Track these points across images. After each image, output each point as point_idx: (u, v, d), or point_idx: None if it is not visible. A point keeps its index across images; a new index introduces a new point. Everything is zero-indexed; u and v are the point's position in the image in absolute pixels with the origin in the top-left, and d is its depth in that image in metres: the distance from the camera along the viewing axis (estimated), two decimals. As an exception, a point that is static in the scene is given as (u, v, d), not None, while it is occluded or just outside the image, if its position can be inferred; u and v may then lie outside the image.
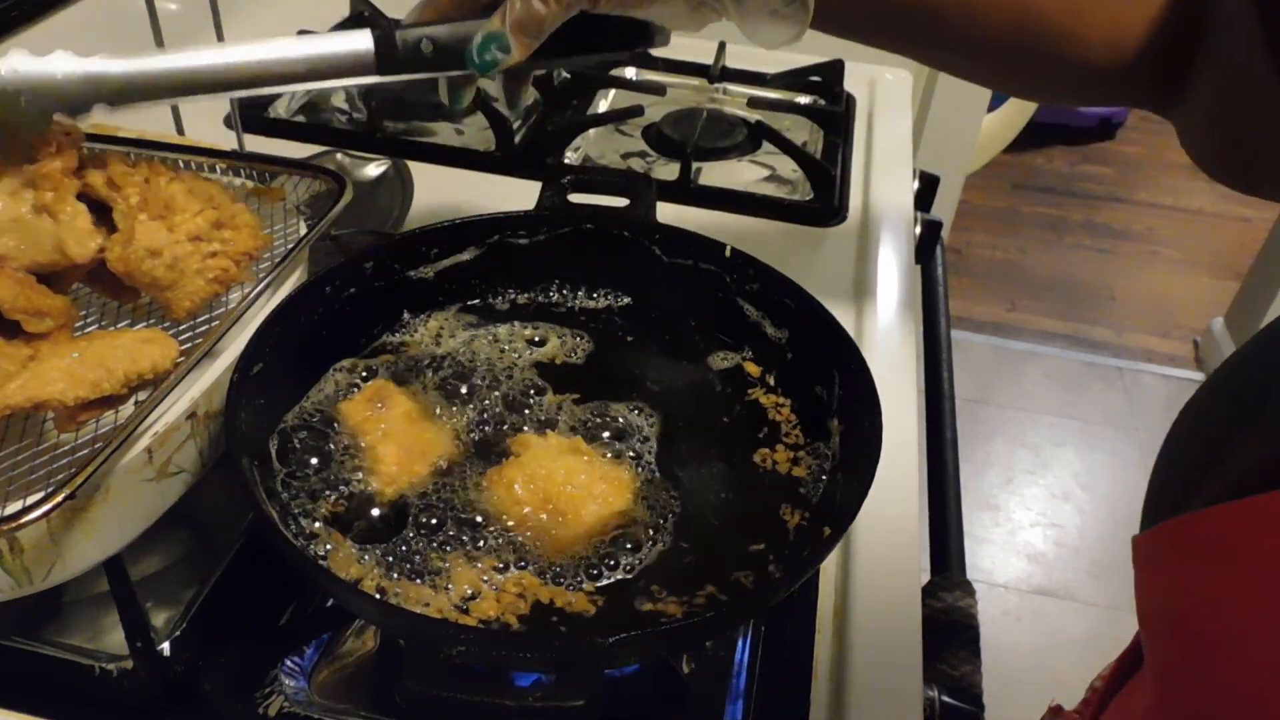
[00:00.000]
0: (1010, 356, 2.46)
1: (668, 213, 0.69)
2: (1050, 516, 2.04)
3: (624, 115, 0.99)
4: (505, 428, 0.59)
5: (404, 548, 0.51)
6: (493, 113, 0.95)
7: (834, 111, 1.05)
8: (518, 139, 0.97)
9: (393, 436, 0.56)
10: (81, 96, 0.50)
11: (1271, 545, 0.33)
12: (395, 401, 0.59)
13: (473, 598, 0.49)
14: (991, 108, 2.41)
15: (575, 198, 0.68)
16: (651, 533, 0.53)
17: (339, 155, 0.93)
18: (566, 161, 0.96)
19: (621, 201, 0.69)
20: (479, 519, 0.53)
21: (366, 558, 0.51)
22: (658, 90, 1.04)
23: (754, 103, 1.05)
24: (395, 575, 0.50)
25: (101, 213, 0.53)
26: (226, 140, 0.81)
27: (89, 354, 0.47)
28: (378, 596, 0.48)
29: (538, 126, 1.00)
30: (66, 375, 0.45)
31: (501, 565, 0.51)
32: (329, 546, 0.51)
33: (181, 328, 0.55)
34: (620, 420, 0.60)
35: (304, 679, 0.53)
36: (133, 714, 0.51)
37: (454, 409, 0.60)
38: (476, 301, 0.68)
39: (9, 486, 0.45)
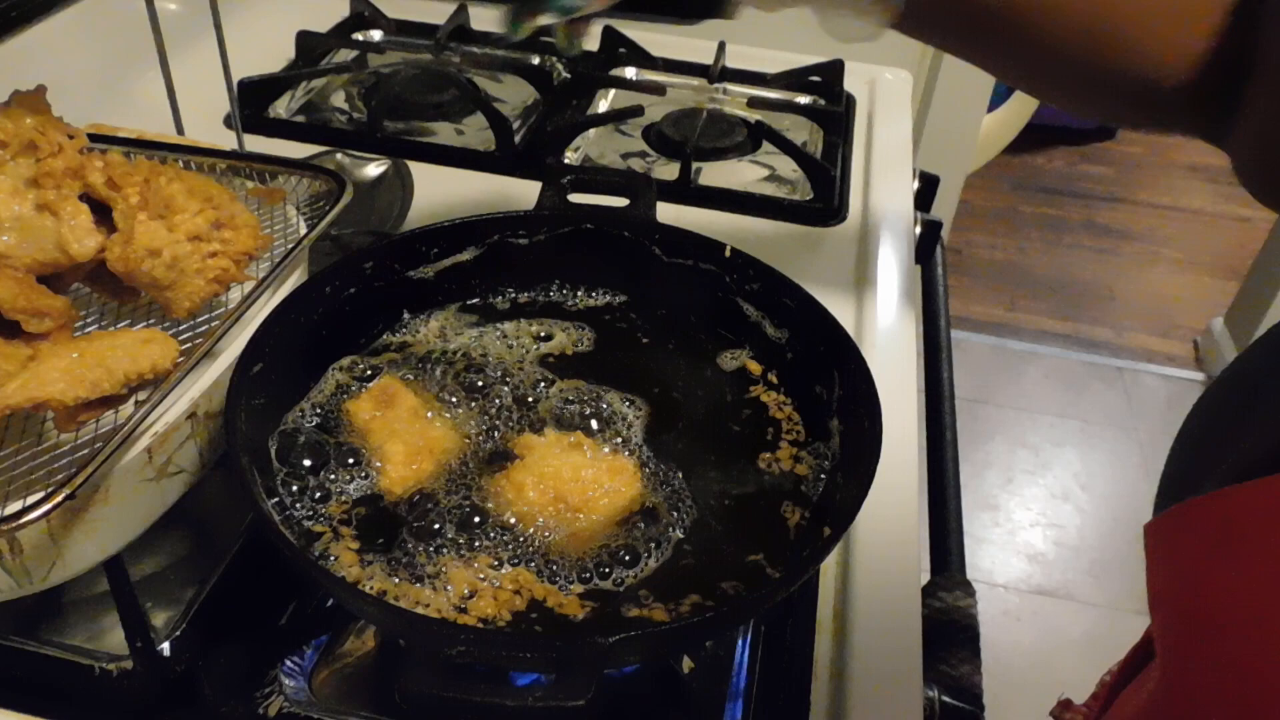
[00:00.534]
0: (1010, 356, 2.46)
1: (668, 213, 0.69)
2: (1050, 516, 2.04)
3: (624, 115, 0.99)
4: (514, 422, 0.59)
5: (406, 548, 0.51)
6: (493, 113, 0.95)
7: (834, 111, 1.05)
8: (518, 139, 0.97)
9: (400, 434, 0.56)
10: None
11: (1275, 525, 0.34)
12: (401, 399, 0.59)
13: (470, 596, 0.49)
14: (991, 108, 2.41)
15: (575, 198, 0.68)
16: (674, 514, 0.53)
17: (339, 155, 0.93)
18: (566, 161, 0.96)
19: (621, 201, 0.69)
20: (486, 519, 0.53)
21: (367, 558, 0.51)
22: (658, 90, 1.04)
23: (754, 103, 1.05)
24: (397, 577, 0.50)
25: (101, 213, 0.53)
26: (226, 140, 0.81)
27: (89, 354, 0.47)
28: (378, 597, 0.48)
29: (538, 126, 1.00)
30: (66, 375, 0.45)
31: (497, 564, 0.51)
32: (329, 546, 0.51)
33: (181, 328, 0.55)
34: (609, 408, 0.60)
35: (304, 679, 0.53)
36: (133, 714, 0.51)
37: (460, 405, 0.60)
38: (476, 301, 0.68)
39: (9, 486, 0.45)
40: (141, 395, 0.48)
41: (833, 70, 1.09)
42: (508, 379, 0.62)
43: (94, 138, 0.63)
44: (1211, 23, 0.52)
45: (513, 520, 0.53)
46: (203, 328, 0.55)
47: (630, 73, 1.12)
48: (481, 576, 0.50)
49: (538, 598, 0.49)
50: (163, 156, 0.64)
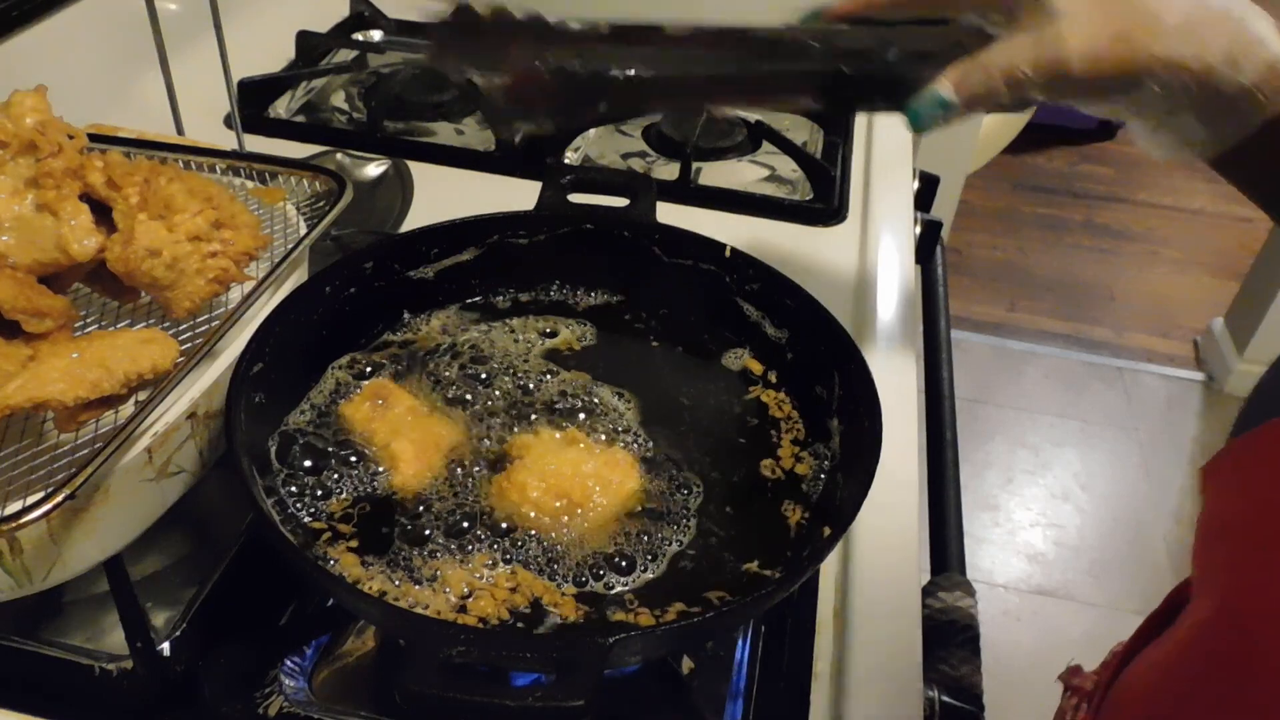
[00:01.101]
0: (1010, 356, 2.46)
1: (668, 213, 0.69)
2: (1050, 516, 2.04)
3: (624, 115, 0.99)
4: (515, 420, 0.59)
5: (405, 549, 0.51)
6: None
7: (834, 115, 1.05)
8: (518, 139, 0.97)
9: (405, 433, 0.56)
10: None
11: None
12: (397, 399, 0.59)
13: (470, 596, 0.49)
14: (991, 108, 2.40)
15: (575, 198, 0.68)
16: (684, 494, 0.53)
17: (339, 155, 0.93)
18: (566, 161, 0.96)
19: (621, 201, 0.69)
20: (487, 519, 0.53)
21: (367, 558, 0.51)
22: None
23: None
24: (396, 577, 0.50)
25: (101, 213, 0.53)
26: (226, 140, 0.81)
27: (89, 354, 0.47)
28: (378, 597, 0.48)
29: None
30: (66, 375, 0.45)
31: (496, 564, 0.51)
32: (329, 547, 0.51)
33: (181, 328, 0.55)
34: (608, 406, 0.60)
35: (304, 679, 0.53)
36: (133, 714, 0.51)
37: (460, 402, 0.60)
38: (477, 300, 0.68)
39: (9, 486, 0.45)
40: (141, 395, 0.48)
41: (833, 70, 1.09)
42: (511, 375, 0.62)
43: (94, 138, 0.63)
44: None
45: (514, 520, 0.53)
46: (203, 328, 0.55)
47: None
48: (481, 576, 0.50)
49: (538, 597, 0.49)
50: (163, 156, 0.64)
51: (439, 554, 0.51)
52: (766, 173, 0.99)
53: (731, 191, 0.92)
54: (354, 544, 0.51)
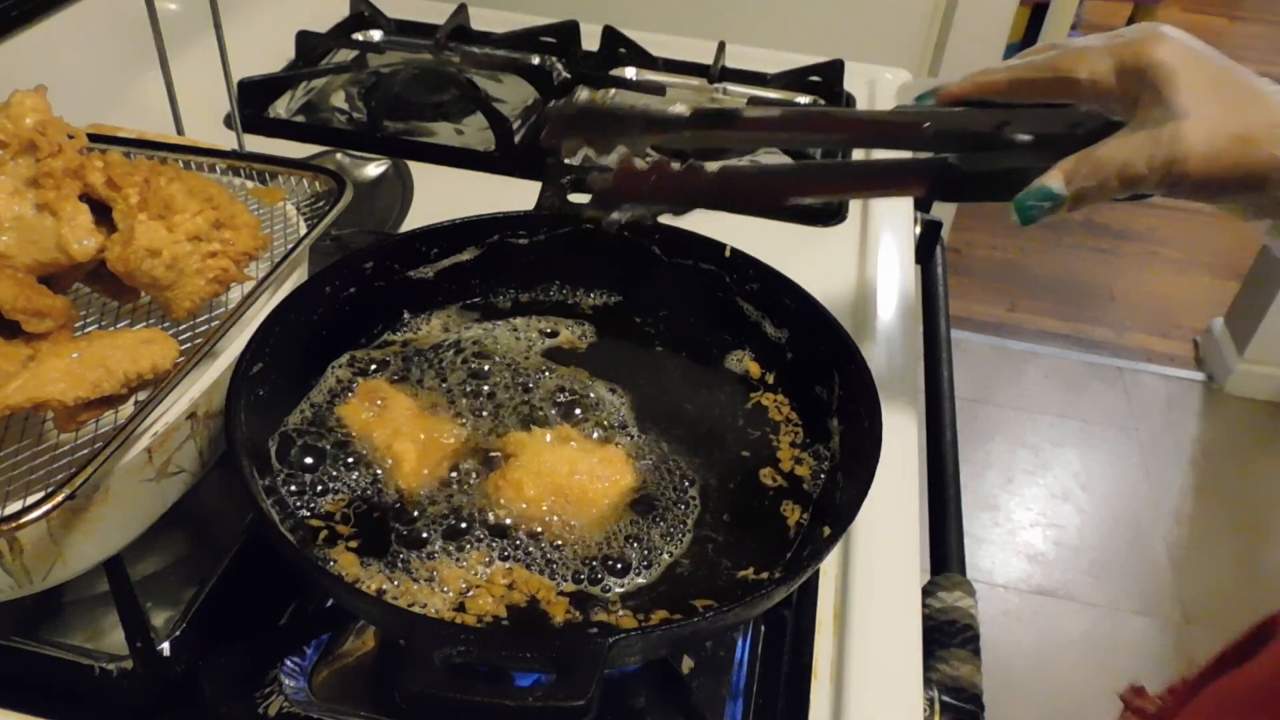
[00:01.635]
0: (1010, 356, 2.45)
1: (668, 213, 0.68)
2: (1050, 516, 2.04)
3: (624, 115, 0.99)
4: (514, 418, 0.59)
5: (404, 548, 0.51)
6: (493, 113, 0.95)
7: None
8: (518, 139, 0.97)
9: (406, 433, 0.57)
10: None
11: None
12: (395, 399, 0.59)
13: (469, 595, 0.49)
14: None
15: (575, 198, 0.68)
16: (681, 495, 0.53)
17: (339, 155, 0.93)
18: (566, 161, 0.96)
19: (621, 201, 0.69)
20: (485, 518, 0.53)
21: (367, 558, 0.51)
22: (658, 90, 1.04)
23: (754, 102, 1.05)
24: (396, 577, 0.50)
25: (101, 213, 0.53)
26: (226, 140, 0.81)
27: (89, 354, 0.47)
28: (377, 596, 0.48)
29: (538, 126, 1.00)
30: (66, 375, 0.45)
31: (495, 562, 0.51)
32: (329, 546, 0.51)
33: (181, 328, 0.55)
34: (607, 405, 0.60)
35: (304, 679, 0.53)
36: (133, 714, 0.51)
37: (459, 402, 0.60)
38: (477, 300, 0.68)
39: (9, 486, 0.45)
40: (141, 395, 0.48)
41: (832, 70, 1.09)
42: (511, 375, 0.62)
43: (94, 138, 0.63)
44: None
45: (511, 518, 0.53)
46: (203, 328, 0.55)
47: (630, 73, 1.12)
48: (478, 574, 0.50)
49: (535, 595, 0.49)
50: (163, 156, 0.64)
51: (437, 553, 0.51)
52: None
53: (731, 191, 0.92)
54: (353, 544, 0.51)
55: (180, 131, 0.79)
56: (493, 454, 0.57)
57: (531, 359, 0.64)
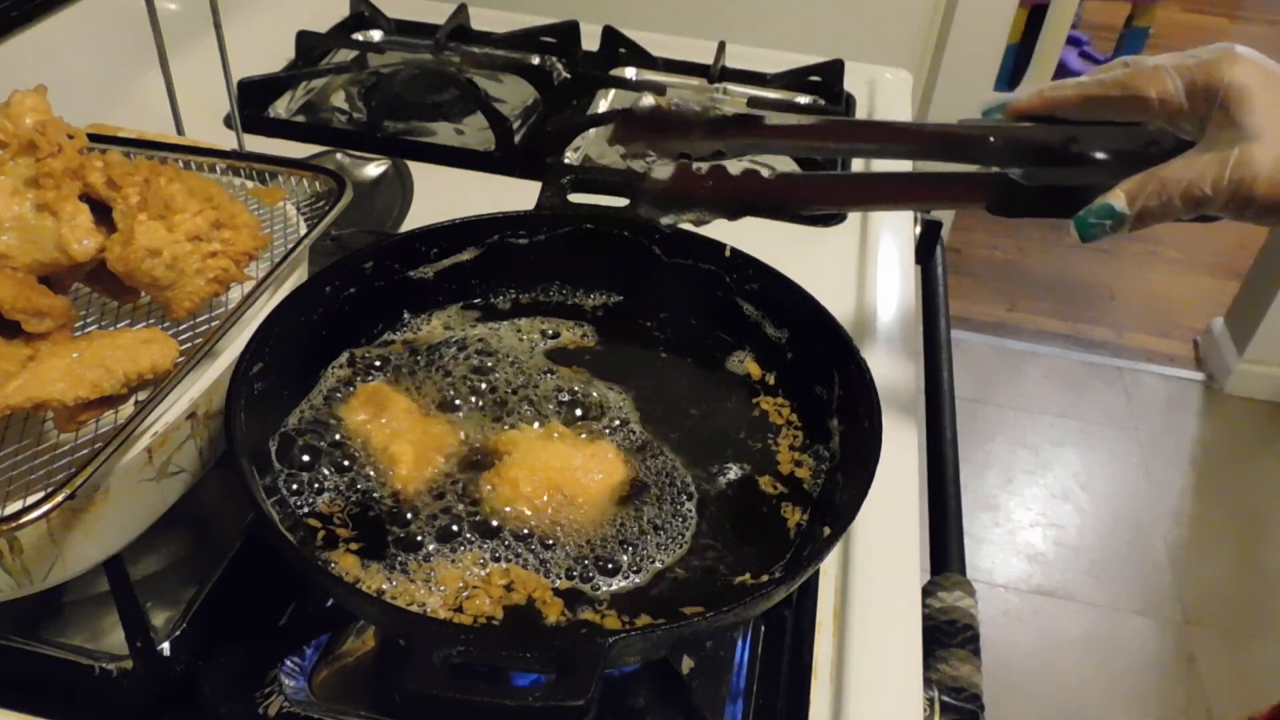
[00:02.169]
0: (1010, 356, 2.45)
1: (668, 213, 0.68)
2: (1050, 516, 2.04)
3: (624, 115, 0.99)
4: (513, 418, 0.59)
5: (404, 549, 0.51)
6: (493, 112, 0.95)
7: (834, 111, 1.05)
8: (518, 139, 0.97)
9: (404, 435, 0.57)
10: None
11: None
12: (394, 401, 0.59)
13: (468, 596, 0.49)
14: (991, 108, 2.40)
15: (575, 198, 0.68)
16: (675, 498, 0.53)
17: (339, 155, 0.93)
18: (566, 161, 0.96)
19: (622, 201, 0.69)
20: (482, 518, 0.53)
21: (367, 558, 0.51)
22: (658, 90, 1.04)
23: (754, 103, 1.05)
24: (395, 578, 0.50)
25: (101, 213, 0.53)
26: (226, 140, 0.81)
27: (89, 354, 0.47)
28: (377, 596, 0.48)
29: (538, 126, 1.00)
30: (66, 375, 0.45)
31: (494, 561, 0.51)
32: (328, 547, 0.51)
33: (181, 328, 0.55)
34: (606, 403, 0.60)
35: (304, 679, 0.53)
36: (133, 714, 0.51)
37: (460, 403, 0.60)
38: (477, 300, 0.68)
39: (9, 486, 0.45)
40: (141, 395, 0.48)
41: (833, 70, 1.09)
42: (511, 376, 0.62)
43: (94, 138, 0.63)
44: None
45: (507, 516, 0.53)
46: (203, 328, 0.55)
47: (630, 73, 1.12)
48: (476, 574, 0.50)
49: (533, 594, 0.49)
50: (163, 156, 0.64)
51: (436, 554, 0.51)
52: (766, 172, 0.98)
53: (731, 191, 0.92)
54: (353, 544, 0.51)
55: (180, 131, 0.79)
56: (489, 454, 0.57)
57: (532, 360, 0.64)
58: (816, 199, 0.62)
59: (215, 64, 0.78)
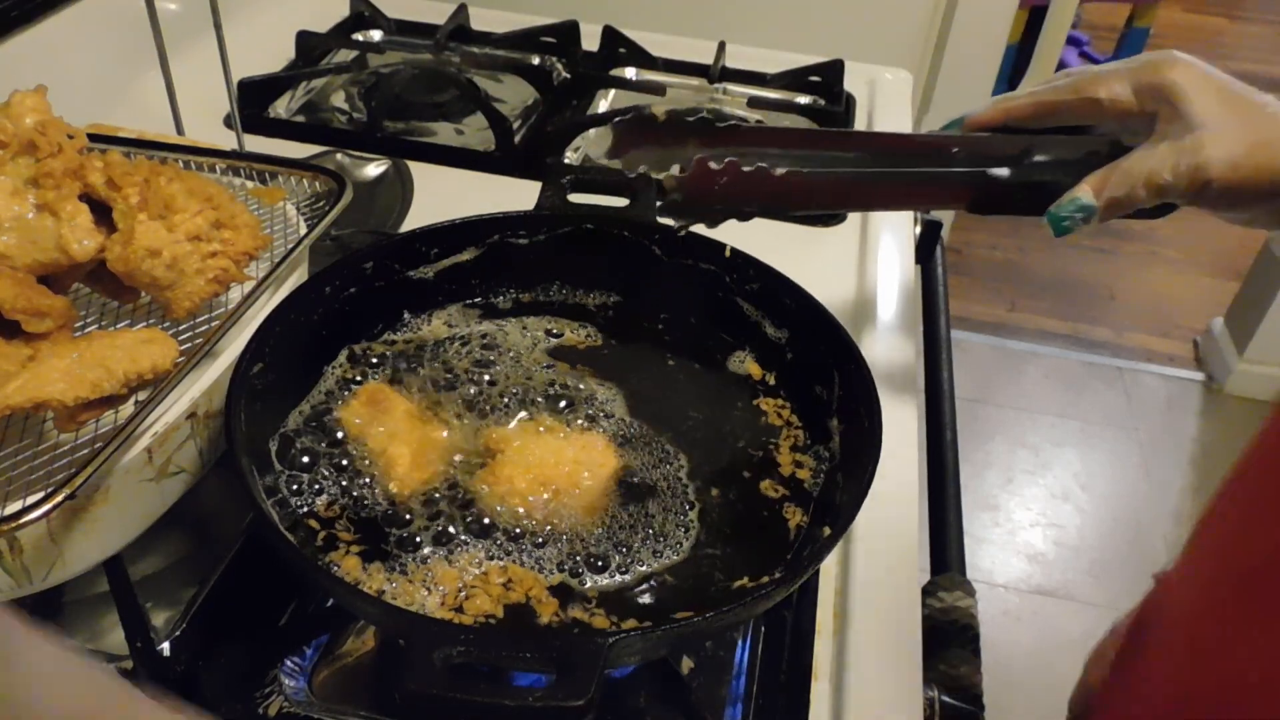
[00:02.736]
0: (1010, 356, 2.45)
1: (668, 213, 0.68)
2: (1050, 516, 2.04)
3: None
4: (510, 418, 0.59)
5: (404, 549, 0.51)
6: (493, 113, 0.95)
7: (834, 111, 1.05)
8: (518, 139, 0.97)
9: (402, 437, 0.57)
10: None
11: None
12: (393, 402, 0.59)
13: (467, 596, 0.49)
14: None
15: (575, 198, 0.68)
16: (679, 496, 0.53)
17: (339, 155, 0.93)
18: (566, 161, 0.96)
19: (621, 201, 0.69)
20: (480, 517, 0.53)
21: (367, 558, 0.51)
22: (658, 90, 1.04)
23: (754, 103, 1.05)
24: (395, 578, 0.50)
25: (101, 213, 0.53)
26: (226, 140, 0.81)
27: (89, 354, 0.47)
28: (377, 596, 0.48)
29: (538, 126, 1.00)
30: (66, 375, 0.45)
31: (492, 560, 0.51)
32: (329, 547, 0.51)
33: (181, 328, 0.55)
34: (606, 404, 0.60)
35: (304, 679, 0.53)
36: (133, 714, 0.51)
37: (459, 404, 0.60)
38: (478, 300, 0.68)
39: (9, 486, 0.45)
40: (141, 395, 0.48)
41: (833, 70, 1.09)
42: (511, 376, 0.62)
43: (94, 138, 0.63)
44: None
45: (504, 515, 0.53)
46: (203, 328, 0.55)
47: (630, 73, 1.12)
48: (475, 574, 0.50)
49: (531, 593, 0.49)
50: (163, 156, 0.64)
51: (434, 554, 0.51)
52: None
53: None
54: (353, 545, 0.51)
55: (180, 131, 0.79)
56: (486, 452, 0.57)
57: (533, 360, 0.64)
58: (821, 197, 0.64)
59: (215, 64, 0.78)
